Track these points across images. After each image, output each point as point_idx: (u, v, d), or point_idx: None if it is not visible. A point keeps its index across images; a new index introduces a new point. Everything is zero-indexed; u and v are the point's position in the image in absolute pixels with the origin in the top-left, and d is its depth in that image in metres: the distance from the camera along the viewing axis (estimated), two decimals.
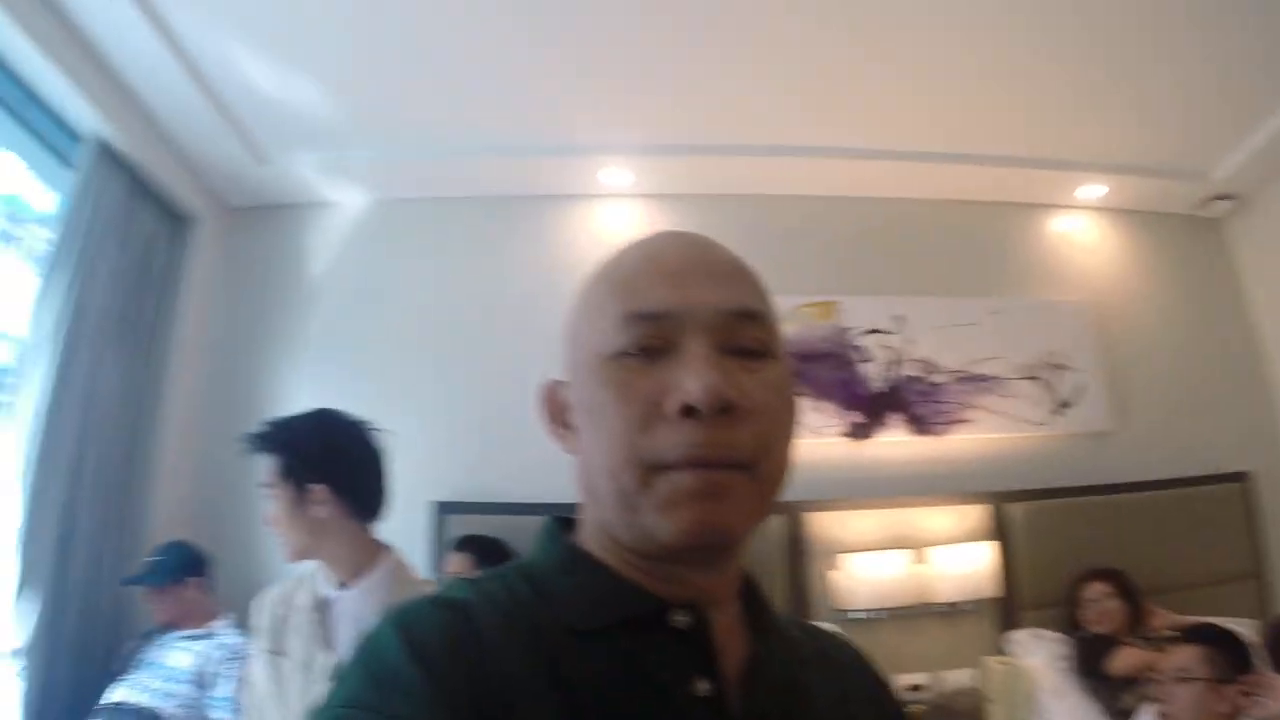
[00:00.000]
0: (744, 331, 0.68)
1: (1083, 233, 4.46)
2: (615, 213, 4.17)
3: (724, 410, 0.63)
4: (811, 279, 4.04)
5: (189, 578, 3.12)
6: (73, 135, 3.33)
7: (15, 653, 2.87)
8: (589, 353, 0.70)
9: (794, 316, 3.93)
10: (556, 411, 0.77)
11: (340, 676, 0.65)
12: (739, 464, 0.64)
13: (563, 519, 0.78)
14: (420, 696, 0.60)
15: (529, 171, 4.02)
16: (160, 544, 3.22)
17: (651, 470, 0.64)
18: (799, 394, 0.74)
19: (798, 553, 3.63)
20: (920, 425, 3.93)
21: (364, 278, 4.10)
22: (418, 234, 4.15)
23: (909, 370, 4.00)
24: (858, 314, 4.04)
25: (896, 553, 3.58)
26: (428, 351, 3.98)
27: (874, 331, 4.02)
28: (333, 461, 1.90)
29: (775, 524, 3.62)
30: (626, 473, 0.65)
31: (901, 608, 3.51)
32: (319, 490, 1.86)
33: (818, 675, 0.76)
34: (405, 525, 3.40)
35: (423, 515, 3.64)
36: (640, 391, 0.66)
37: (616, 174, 4.07)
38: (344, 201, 4.20)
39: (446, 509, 3.66)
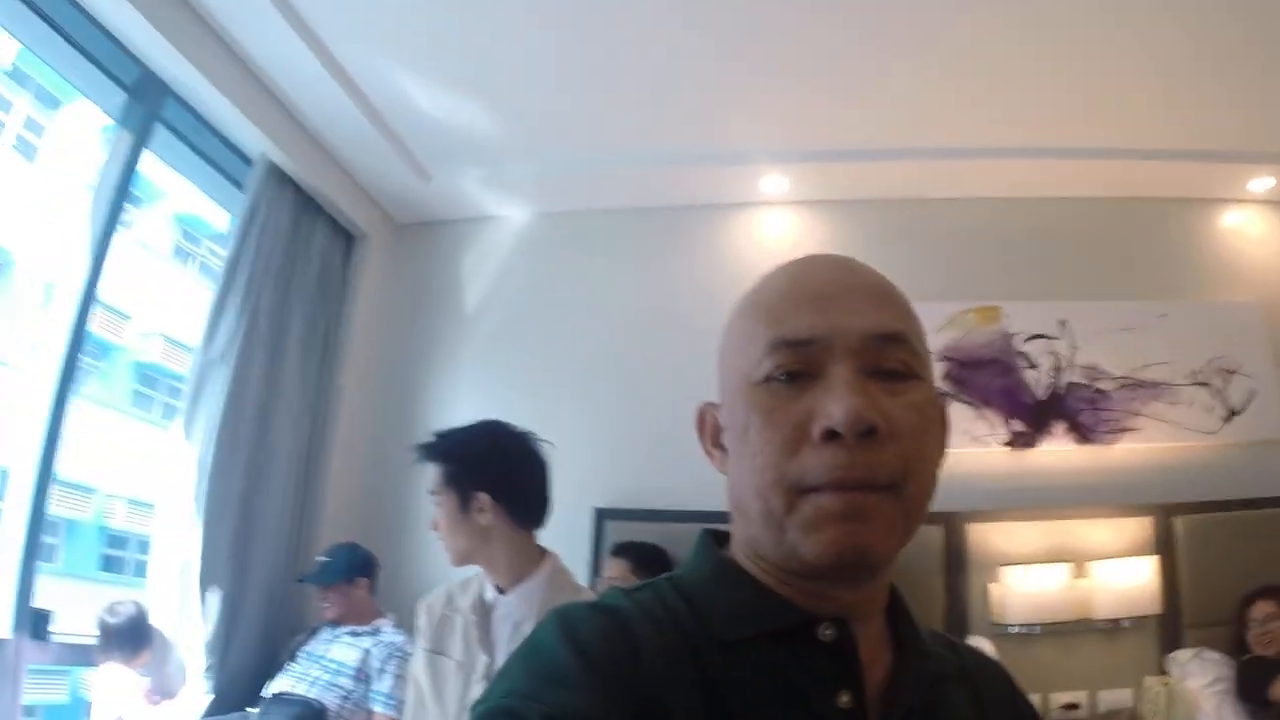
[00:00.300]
0: (888, 354, 0.69)
1: (1253, 228, 4.25)
2: (776, 220, 4.17)
3: (867, 433, 0.64)
4: (974, 283, 3.98)
5: (358, 578, 3.27)
6: (244, 159, 3.55)
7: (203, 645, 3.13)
8: (738, 378, 0.72)
9: (956, 322, 3.89)
10: (710, 432, 0.80)
11: (502, 671, 0.68)
12: (882, 485, 0.65)
13: (715, 532, 0.81)
14: (580, 690, 0.62)
15: (689, 181, 4.05)
16: (331, 546, 3.38)
17: (797, 493, 0.66)
18: (944, 414, 0.75)
19: (956, 564, 3.60)
20: (1084, 434, 3.84)
21: (527, 290, 4.21)
22: (579, 245, 4.24)
23: (1073, 377, 3.90)
24: (1021, 319, 3.95)
25: (1057, 566, 3.51)
26: (590, 361, 4.06)
27: (1038, 337, 3.93)
28: (496, 470, 1.97)
29: (934, 535, 3.58)
30: (773, 495, 0.67)
31: (1060, 623, 3.44)
32: (482, 498, 1.93)
33: (959, 692, 0.77)
34: (567, 530, 3.52)
35: (584, 521, 3.74)
36: (786, 416, 0.67)
37: (777, 181, 4.07)
38: (507, 215, 4.32)
39: (606, 515, 3.75)
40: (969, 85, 3.50)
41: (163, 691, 3.09)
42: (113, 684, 2.94)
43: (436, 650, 1.92)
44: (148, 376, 11.87)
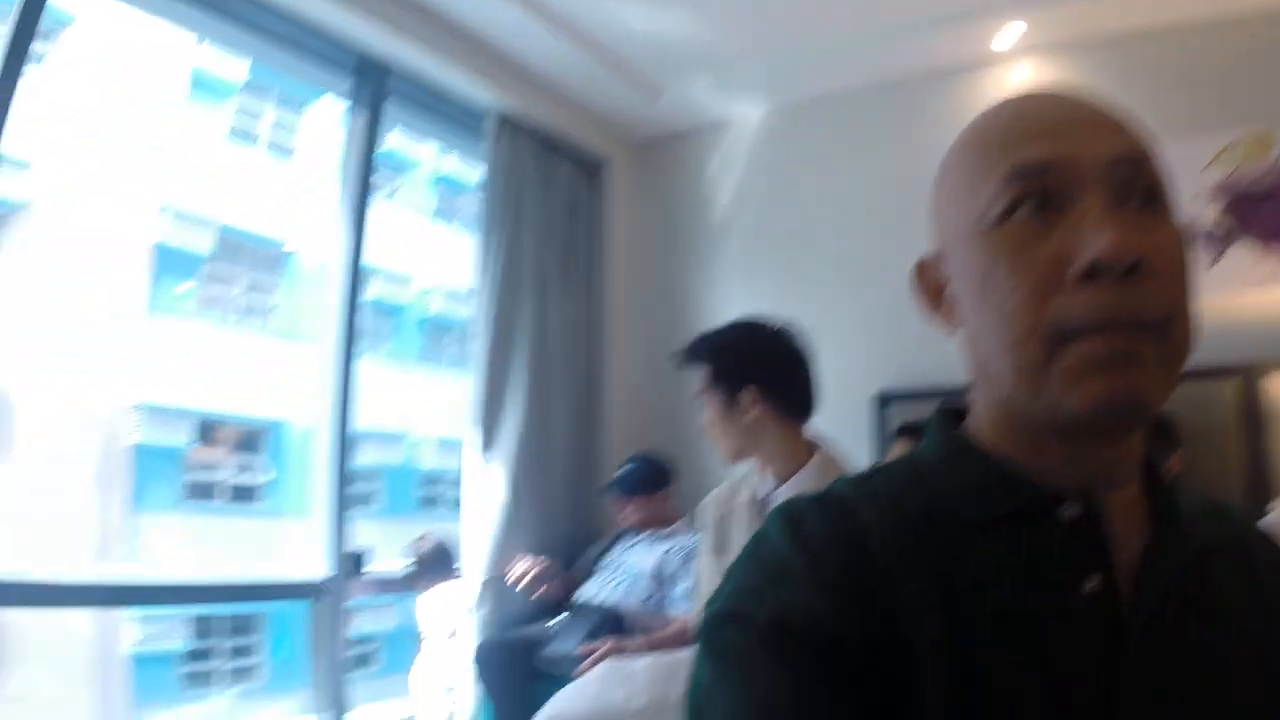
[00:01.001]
0: (1139, 181, 0.62)
1: None
2: (1016, 75, 3.87)
3: (1131, 269, 0.58)
4: (1242, 110, 3.52)
5: (659, 489, 3.38)
6: (476, 113, 3.73)
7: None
8: (969, 221, 0.66)
9: (1226, 156, 3.46)
10: (931, 292, 0.75)
11: (730, 570, 0.67)
12: (1150, 325, 0.59)
13: (952, 409, 0.75)
14: (806, 586, 0.60)
15: (922, 49, 3.81)
16: (631, 457, 3.51)
17: (1056, 341, 0.59)
18: (1193, 252, 0.66)
19: (1256, 422, 3.17)
20: None
21: (775, 186, 4.17)
22: (819, 133, 4.13)
23: None
24: None
25: None
26: (851, 247, 3.96)
27: None
28: (757, 365, 2.00)
29: (1228, 390, 3.19)
30: (1029, 346, 0.60)
31: None
32: (747, 394, 1.96)
33: (1228, 566, 0.68)
34: (851, 419, 3.58)
35: (864, 409, 3.70)
36: (1036, 256, 0.61)
37: (1013, 30, 3.70)
38: (742, 116, 4.27)
39: (887, 400, 3.68)
40: None
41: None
42: (436, 606, 3.27)
43: (718, 549, 1.99)
44: (436, 328, 12.66)
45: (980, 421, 0.71)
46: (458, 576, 3.37)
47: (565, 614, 3.15)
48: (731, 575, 0.66)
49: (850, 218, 3.98)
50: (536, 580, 3.32)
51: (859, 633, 0.59)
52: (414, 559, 3.40)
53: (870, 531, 0.64)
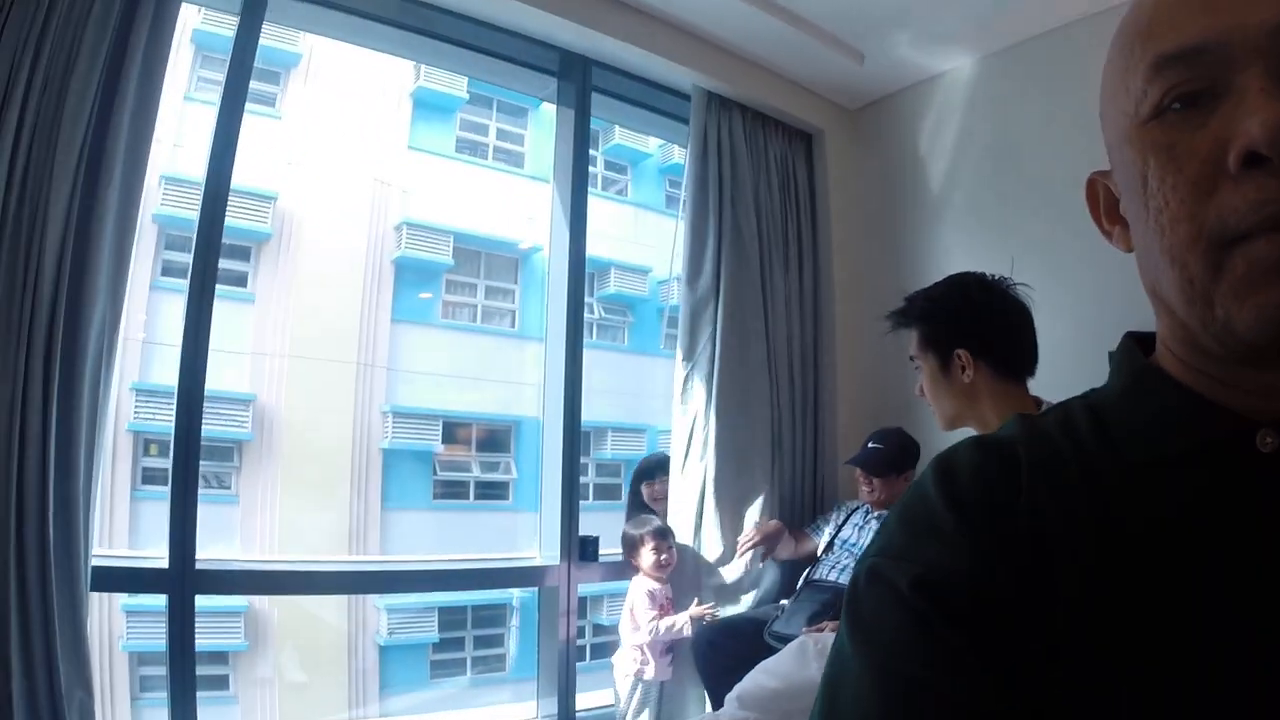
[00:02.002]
0: None
1: None
2: None
3: None
4: None
5: (902, 472, 3.23)
6: (685, 97, 3.73)
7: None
8: (1122, 122, 0.59)
9: None
10: (1105, 206, 0.68)
11: (882, 524, 0.63)
12: None
13: (1141, 335, 0.68)
14: (953, 542, 0.57)
15: None
16: (881, 431, 3.36)
17: (1222, 246, 0.51)
18: None
19: None
20: None
21: (995, 137, 3.93)
22: (1036, 75, 3.84)
23: None
24: None
25: None
26: (1075, 191, 3.71)
27: None
28: (971, 324, 1.91)
29: None
30: (1191, 255, 0.52)
31: None
32: (962, 354, 1.88)
33: None
34: (1090, 376, 3.38)
35: (1101, 374, 3.49)
36: (1191, 150, 0.52)
37: None
38: (953, 68, 4.06)
39: (1135, 339, 3.43)
40: None
41: (681, 595, 3.37)
42: (640, 593, 3.27)
43: None
44: (672, 318, 12.64)
45: (1163, 350, 0.63)
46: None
47: (798, 592, 3.16)
48: (882, 530, 0.63)
49: (1080, 166, 3.67)
50: (762, 545, 3.36)
51: (1005, 591, 0.55)
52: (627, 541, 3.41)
53: (1029, 474, 0.59)
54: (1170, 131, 0.54)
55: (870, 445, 3.29)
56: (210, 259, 2.65)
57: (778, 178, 3.94)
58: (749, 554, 3.38)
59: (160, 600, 2.57)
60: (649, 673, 3.20)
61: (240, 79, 2.75)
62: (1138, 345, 0.67)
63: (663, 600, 3.27)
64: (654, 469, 3.74)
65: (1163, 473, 0.57)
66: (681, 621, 3.21)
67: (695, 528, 3.45)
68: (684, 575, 3.39)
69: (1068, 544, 0.55)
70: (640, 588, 3.26)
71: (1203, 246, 0.52)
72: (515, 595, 10.26)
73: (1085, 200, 0.70)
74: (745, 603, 3.44)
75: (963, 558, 0.56)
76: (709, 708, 3.07)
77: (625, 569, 3.36)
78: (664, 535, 3.31)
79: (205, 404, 2.65)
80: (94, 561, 2.30)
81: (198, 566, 2.56)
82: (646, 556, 3.26)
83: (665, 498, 3.56)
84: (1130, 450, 0.59)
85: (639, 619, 3.22)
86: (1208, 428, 0.57)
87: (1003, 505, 0.58)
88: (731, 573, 3.43)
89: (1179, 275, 0.54)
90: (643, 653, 3.20)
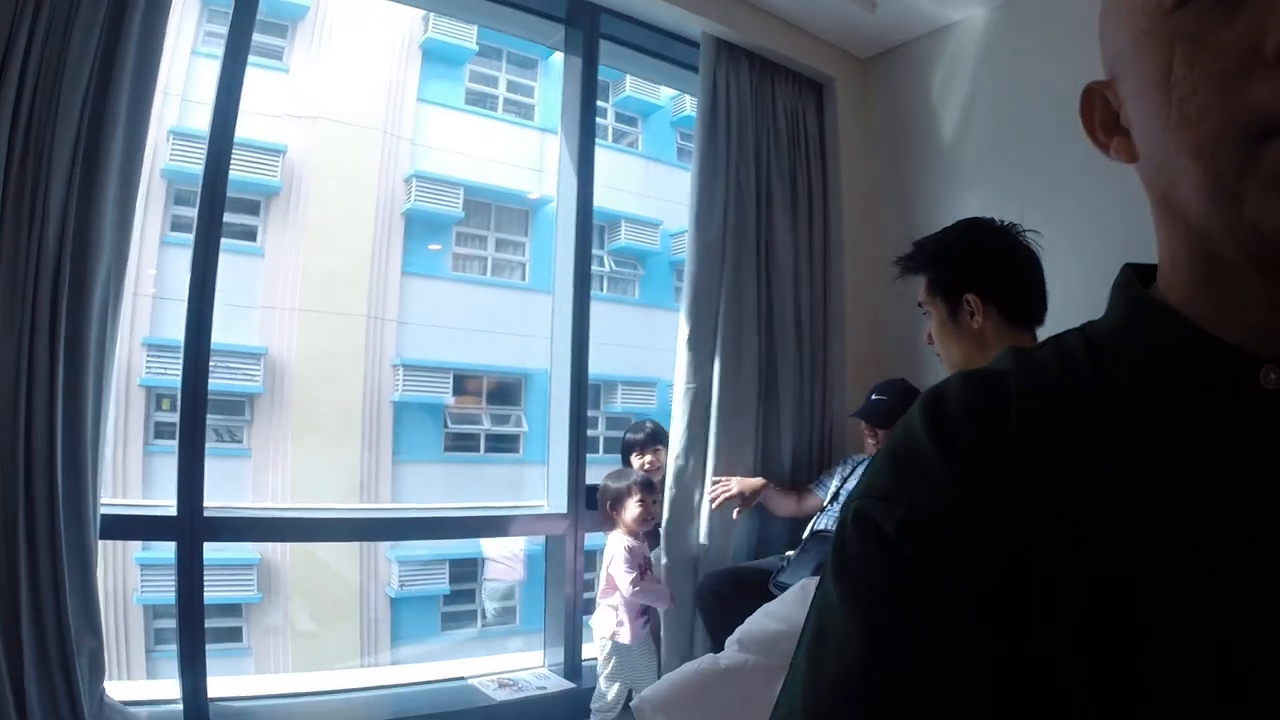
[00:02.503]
0: None
1: None
2: None
3: None
4: None
5: None
6: (694, 44, 3.66)
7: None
8: (1137, 21, 0.54)
9: None
10: (1102, 118, 0.63)
11: (870, 462, 0.62)
12: None
13: (1142, 266, 0.64)
14: (936, 477, 0.55)
15: None
16: (884, 383, 3.35)
17: (1254, 139, 0.47)
18: None
19: None
20: None
21: (1009, 87, 3.85)
22: (1051, 25, 3.73)
23: None
24: None
25: None
26: (1093, 149, 3.63)
27: None
28: (978, 268, 1.88)
29: None
30: (1221, 147, 0.48)
31: None
32: (970, 300, 1.85)
33: None
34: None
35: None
36: (1222, 39, 0.48)
37: None
38: (966, 17, 3.98)
39: None
40: None
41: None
42: (618, 549, 3.19)
43: None
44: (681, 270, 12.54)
45: (1166, 277, 0.60)
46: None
47: (804, 543, 3.15)
48: (869, 468, 0.61)
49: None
50: (735, 501, 3.32)
51: (995, 530, 0.53)
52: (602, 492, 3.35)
53: (1019, 409, 0.57)
54: (1200, 18, 0.50)
55: (873, 397, 3.27)
56: (215, 212, 2.64)
57: (787, 127, 3.88)
58: (725, 505, 3.35)
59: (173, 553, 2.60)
60: (623, 635, 3.12)
61: (245, 25, 2.72)
62: (1137, 277, 0.63)
63: (641, 559, 3.21)
64: (645, 440, 3.67)
65: (1161, 408, 0.55)
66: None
67: (690, 481, 3.43)
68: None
69: (1060, 479, 0.54)
70: (618, 543, 3.19)
71: (1233, 137, 0.48)
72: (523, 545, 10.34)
73: (1081, 113, 0.65)
74: (722, 557, 3.42)
75: (951, 497, 0.54)
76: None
77: (602, 523, 3.30)
78: (650, 488, 3.27)
79: (215, 357, 2.66)
80: (103, 510, 2.32)
81: (205, 514, 2.58)
82: (632, 509, 3.19)
83: (658, 469, 3.51)
84: (1126, 384, 0.57)
85: (617, 578, 3.14)
86: (1208, 363, 0.54)
87: (993, 440, 0.56)
88: (706, 527, 3.41)
89: (1204, 170, 0.50)
90: (618, 613, 3.14)
